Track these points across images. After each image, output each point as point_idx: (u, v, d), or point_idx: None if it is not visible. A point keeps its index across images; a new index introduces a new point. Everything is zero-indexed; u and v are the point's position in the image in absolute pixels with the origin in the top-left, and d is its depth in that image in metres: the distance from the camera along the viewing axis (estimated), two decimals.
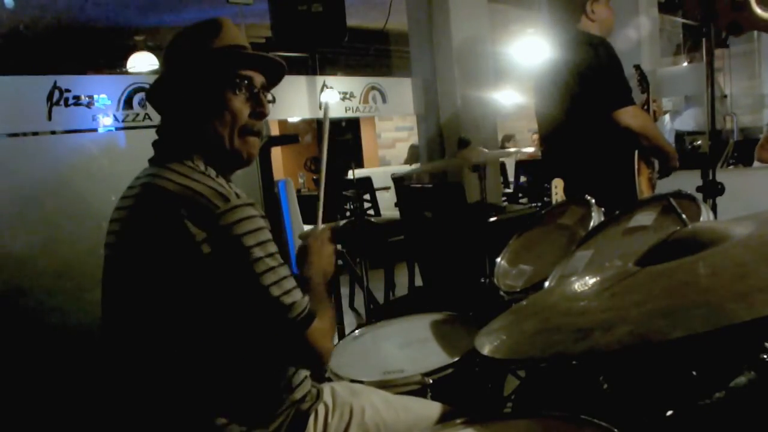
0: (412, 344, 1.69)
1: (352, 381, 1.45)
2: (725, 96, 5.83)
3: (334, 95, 3.30)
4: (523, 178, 5.81)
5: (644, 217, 1.55)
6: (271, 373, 1.16)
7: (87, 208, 2.31)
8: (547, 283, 1.51)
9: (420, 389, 1.44)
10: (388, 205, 5.85)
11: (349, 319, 3.91)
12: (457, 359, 1.49)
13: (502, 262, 1.88)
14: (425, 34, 3.61)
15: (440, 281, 3.12)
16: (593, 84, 2.33)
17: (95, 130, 2.42)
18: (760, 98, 6.34)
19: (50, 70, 2.33)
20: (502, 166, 6.08)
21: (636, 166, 2.39)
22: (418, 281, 3.79)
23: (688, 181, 2.09)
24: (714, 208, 2.18)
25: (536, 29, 5.30)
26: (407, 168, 6.84)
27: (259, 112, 1.21)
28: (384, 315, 2.09)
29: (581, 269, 1.45)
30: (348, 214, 4.19)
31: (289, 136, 7.31)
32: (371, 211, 5.46)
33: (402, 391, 1.42)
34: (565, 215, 1.88)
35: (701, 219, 1.38)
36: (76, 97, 2.33)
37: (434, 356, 1.56)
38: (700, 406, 1.00)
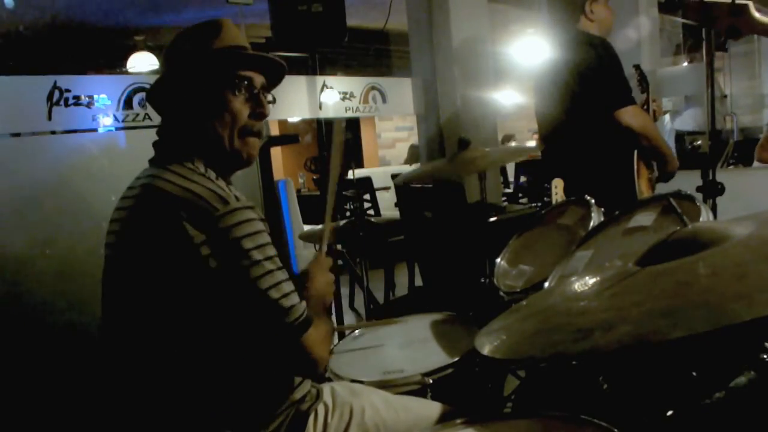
0: (412, 344, 1.69)
1: (352, 381, 1.45)
2: (725, 96, 5.83)
3: (333, 96, 3.30)
4: (523, 178, 5.82)
5: (644, 218, 1.55)
6: (271, 374, 1.16)
7: (87, 208, 2.31)
8: (547, 283, 1.51)
9: (420, 389, 1.44)
10: (388, 205, 5.85)
11: (349, 319, 3.91)
12: (457, 359, 1.49)
13: (502, 262, 1.88)
14: (425, 34, 3.61)
15: (440, 281, 3.12)
16: (593, 84, 2.33)
17: (95, 130, 2.42)
18: (760, 98, 6.34)
19: (50, 70, 2.33)
20: (502, 166, 6.08)
21: (636, 167, 2.39)
22: (418, 281, 3.79)
23: (688, 181, 2.09)
24: (714, 208, 2.18)
25: (536, 29, 5.30)
26: (407, 168, 6.84)
27: (258, 112, 1.21)
28: (384, 315, 2.08)
29: (581, 269, 1.45)
30: (348, 214, 4.20)
31: (289, 136, 7.32)
32: (371, 211, 5.46)
33: (402, 391, 1.42)
34: (565, 215, 1.88)
35: (701, 219, 1.38)
36: (76, 97, 2.33)
37: (434, 356, 1.56)
38: (700, 406, 1.00)
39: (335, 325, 2.89)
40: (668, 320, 0.74)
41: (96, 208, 2.29)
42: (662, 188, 2.40)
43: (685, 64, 6.08)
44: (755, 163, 3.69)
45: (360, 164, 9.48)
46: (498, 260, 1.89)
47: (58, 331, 2.22)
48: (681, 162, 2.49)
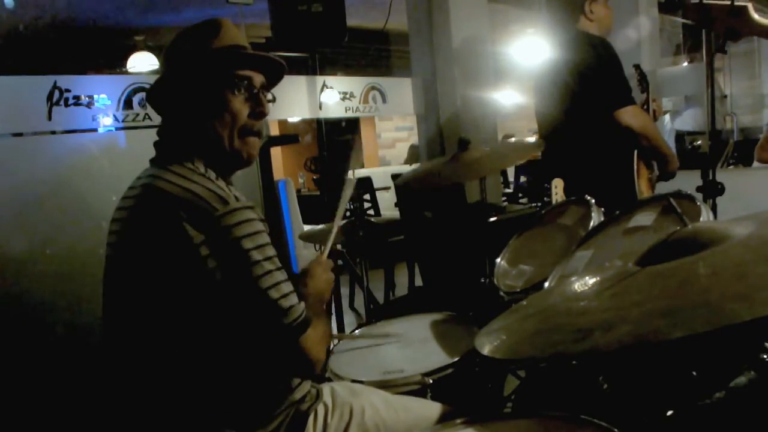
0: (412, 344, 1.69)
1: (352, 381, 1.45)
2: (725, 96, 5.84)
3: (334, 96, 3.30)
4: (523, 178, 5.82)
5: (644, 217, 1.55)
6: (270, 374, 1.16)
7: (87, 208, 2.31)
8: (547, 283, 1.51)
9: (420, 389, 1.44)
10: (388, 205, 5.85)
11: (349, 319, 3.91)
12: (457, 359, 1.49)
13: (502, 262, 1.88)
14: (425, 34, 3.61)
15: (440, 281, 3.12)
16: (593, 84, 2.33)
17: (95, 130, 2.42)
18: (760, 98, 6.34)
19: (50, 70, 2.33)
20: None
21: (636, 168, 2.39)
22: (418, 281, 3.79)
23: (688, 181, 2.09)
24: (714, 208, 2.18)
25: (536, 29, 5.29)
26: (407, 168, 6.84)
27: (258, 112, 1.21)
28: (384, 315, 2.08)
29: (581, 269, 1.45)
30: (348, 214, 4.19)
31: (289, 136, 7.32)
32: (371, 211, 5.47)
33: (402, 391, 1.42)
34: (565, 215, 1.88)
35: (701, 219, 1.38)
36: (76, 97, 2.33)
37: (434, 356, 1.56)
38: (700, 406, 1.00)
39: (334, 325, 2.90)
40: (668, 320, 0.74)
41: (96, 208, 2.29)
42: (662, 188, 2.40)
43: (685, 64, 6.08)
44: (755, 163, 3.69)
45: (360, 164, 9.49)
46: (498, 260, 1.89)
47: (58, 331, 2.22)
48: (681, 162, 2.48)
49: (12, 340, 2.12)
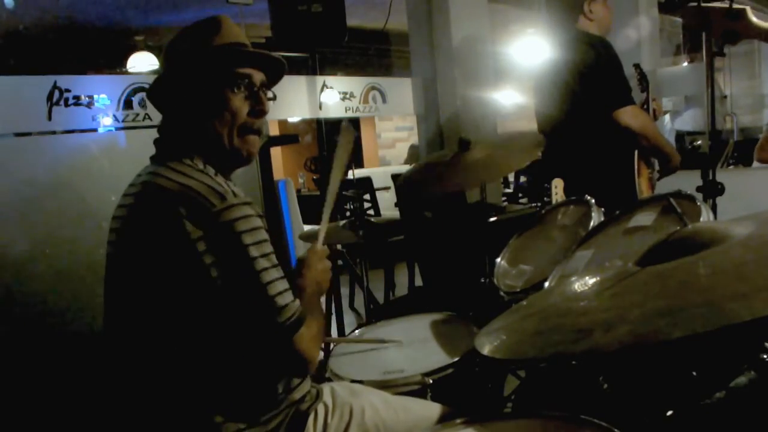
0: (412, 344, 1.69)
1: (352, 381, 1.45)
2: (725, 96, 5.84)
3: (333, 96, 3.30)
4: (523, 178, 5.82)
5: (644, 217, 1.55)
6: (266, 373, 1.16)
7: (87, 208, 2.31)
8: (547, 283, 1.51)
9: (420, 389, 1.44)
10: (388, 205, 5.85)
11: (349, 319, 3.91)
12: (457, 359, 1.49)
13: (502, 262, 1.88)
14: (425, 34, 3.61)
15: (440, 281, 3.11)
16: (593, 83, 2.33)
17: (95, 130, 2.42)
18: (760, 98, 6.35)
19: (50, 70, 2.33)
20: None
21: (636, 167, 2.39)
22: (418, 281, 3.78)
23: (688, 181, 2.09)
24: (714, 208, 2.18)
25: (536, 29, 5.29)
26: (407, 168, 6.83)
27: (258, 110, 1.21)
28: (384, 315, 2.08)
29: (581, 269, 1.45)
30: (348, 214, 4.19)
31: (289, 136, 7.33)
32: (371, 211, 5.47)
33: (402, 391, 1.42)
34: (565, 215, 1.89)
35: (701, 219, 1.38)
36: (76, 97, 2.32)
37: (434, 356, 1.56)
38: (700, 406, 1.00)
39: (334, 325, 2.90)
40: (668, 320, 0.74)
41: (96, 208, 2.29)
42: (662, 188, 2.40)
43: (685, 64, 6.09)
44: (755, 163, 3.69)
45: (360, 164, 9.48)
46: (498, 260, 1.88)
47: (58, 331, 2.22)
48: (681, 162, 2.48)
49: (12, 340, 2.12)
